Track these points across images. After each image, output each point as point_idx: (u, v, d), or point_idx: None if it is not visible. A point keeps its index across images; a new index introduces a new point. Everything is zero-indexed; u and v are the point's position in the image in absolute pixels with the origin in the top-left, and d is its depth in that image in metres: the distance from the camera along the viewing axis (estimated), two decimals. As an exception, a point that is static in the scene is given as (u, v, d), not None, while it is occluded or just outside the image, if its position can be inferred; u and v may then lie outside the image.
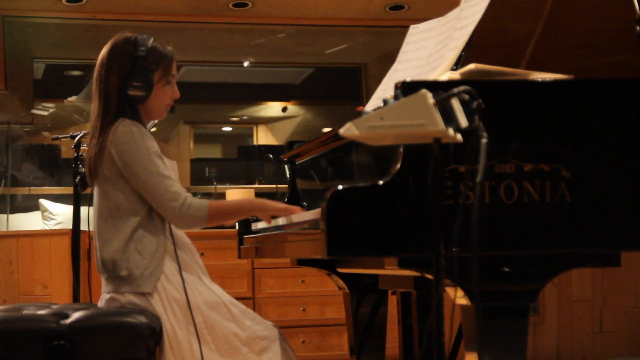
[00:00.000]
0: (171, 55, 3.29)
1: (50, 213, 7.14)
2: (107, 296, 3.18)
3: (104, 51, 3.26)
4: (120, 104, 3.17)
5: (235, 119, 10.16)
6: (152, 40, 3.25)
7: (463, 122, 2.16)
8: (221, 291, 3.24)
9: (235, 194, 7.68)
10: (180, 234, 3.27)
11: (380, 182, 2.45)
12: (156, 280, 3.11)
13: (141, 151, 3.10)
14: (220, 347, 3.12)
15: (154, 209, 3.16)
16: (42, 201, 7.27)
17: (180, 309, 3.11)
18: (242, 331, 3.17)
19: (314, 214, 2.86)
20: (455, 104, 2.16)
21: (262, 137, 9.93)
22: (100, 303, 3.24)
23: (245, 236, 3.75)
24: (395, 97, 2.31)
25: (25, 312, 3.16)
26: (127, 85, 3.17)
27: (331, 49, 8.34)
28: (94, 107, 3.23)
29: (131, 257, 3.11)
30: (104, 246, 3.15)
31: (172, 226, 3.22)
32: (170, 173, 3.16)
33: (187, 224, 3.14)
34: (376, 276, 3.56)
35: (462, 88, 2.17)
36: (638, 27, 2.74)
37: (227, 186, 8.41)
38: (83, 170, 4.29)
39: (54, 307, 3.26)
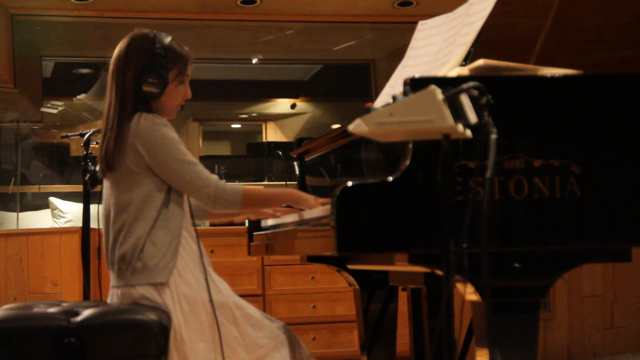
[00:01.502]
0: (187, 55, 3.30)
1: (60, 211, 7.16)
2: (118, 291, 3.19)
3: (120, 46, 3.26)
4: (135, 100, 3.19)
5: (244, 116, 10.17)
6: (170, 38, 3.27)
7: (472, 117, 2.16)
8: (229, 291, 3.24)
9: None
10: (191, 229, 3.27)
11: (390, 179, 2.45)
12: (170, 272, 3.12)
13: (167, 141, 3.12)
14: (220, 348, 3.13)
15: (169, 203, 3.17)
16: (52, 199, 7.28)
17: (188, 305, 3.12)
18: (241, 337, 3.18)
19: (323, 210, 2.86)
20: (465, 99, 2.16)
21: (271, 134, 9.94)
22: (111, 299, 3.24)
23: (255, 233, 3.76)
24: (404, 93, 2.31)
25: (35, 310, 3.16)
26: (142, 80, 3.18)
27: (340, 46, 8.34)
28: (108, 101, 3.24)
29: (146, 249, 3.13)
30: (123, 239, 3.16)
31: (187, 222, 3.23)
32: (196, 160, 3.18)
33: (222, 207, 3.16)
34: (386, 272, 3.56)
35: (471, 84, 2.17)
36: (647, 22, 2.74)
37: (237, 183, 8.41)
38: (92, 168, 4.29)
39: (64, 304, 3.27)
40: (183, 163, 3.14)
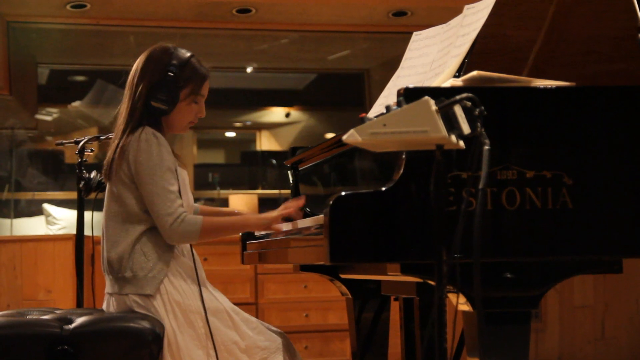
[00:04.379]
0: (204, 75, 3.30)
1: (54, 218, 7.16)
2: (112, 298, 3.20)
3: (140, 58, 3.27)
4: (144, 113, 3.20)
5: (238, 124, 10.17)
6: (189, 55, 3.27)
7: (465, 128, 2.17)
8: (224, 298, 3.25)
9: (238, 199, 7.68)
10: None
11: (383, 189, 2.46)
12: (159, 283, 3.13)
13: (154, 161, 3.12)
14: (219, 354, 3.14)
15: None
16: (46, 206, 7.28)
17: (182, 313, 3.13)
18: (242, 340, 3.18)
19: (316, 220, 2.87)
20: (458, 110, 2.17)
21: (265, 142, 9.93)
22: (106, 305, 3.25)
23: (248, 242, 3.76)
24: (398, 104, 2.32)
25: (28, 317, 3.17)
26: (151, 96, 3.19)
27: (334, 55, 8.35)
28: (121, 111, 3.25)
29: (136, 259, 3.13)
30: (112, 247, 3.17)
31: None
32: (176, 189, 3.15)
33: (178, 239, 3.15)
34: (379, 282, 3.56)
35: (464, 95, 2.19)
36: (639, 35, 2.75)
37: (230, 191, 8.42)
38: (87, 175, 4.30)
39: (58, 312, 3.27)
40: (158, 187, 3.12)
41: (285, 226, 3.31)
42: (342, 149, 3.18)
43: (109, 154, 3.23)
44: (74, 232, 4.67)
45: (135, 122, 3.19)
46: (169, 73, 3.20)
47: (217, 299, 3.22)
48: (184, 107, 3.27)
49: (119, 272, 3.15)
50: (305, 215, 3.39)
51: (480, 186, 2.18)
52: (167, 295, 3.13)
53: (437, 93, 2.33)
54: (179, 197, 3.16)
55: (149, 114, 3.21)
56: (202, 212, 3.49)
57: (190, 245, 3.25)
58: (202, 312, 3.14)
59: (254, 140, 10.06)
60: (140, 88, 3.21)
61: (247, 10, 6.98)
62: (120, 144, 3.18)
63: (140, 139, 3.14)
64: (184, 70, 3.24)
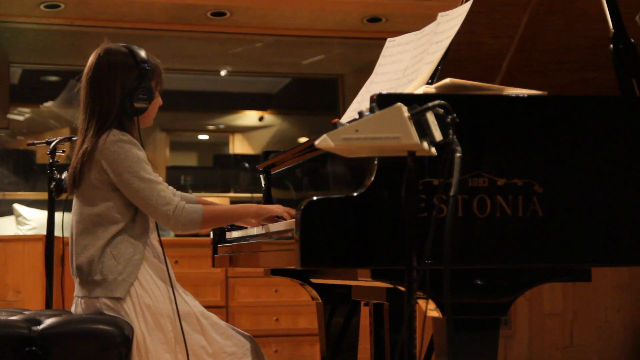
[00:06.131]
0: (160, 65, 3.32)
1: (24, 218, 7.11)
2: (82, 301, 3.18)
3: (97, 62, 3.22)
4: (120, 115, 3.18)
5: (211, 127, 10.16)
6: (144, 50, 3.27)
7: (437, 135, 2.18)
8: (194, 302, 3.24)
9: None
10: (155, 244, 3.26)
11: (355, 194, 2.47)
12: (129, 286, 3.11)
13: (131, 159, 3.11)
14: (186, 358, 3.13)
15: (135, 217, 3.16)
16: (16, 206, 7.23)
17: (152, 316, 3.11)
18: (209, 345, 3.18)
19: (288, 224, 2.87)
20: (430, 117, 2.18)
21: (238, 146, 9.93)
22: (74, 308, 3.23)
23: (219, 245, 3.75)
24: (371, 110, 2.32)
25: (-3, 317, 3.15)
26: (132, 96, 3.17)
27: (308, 60, 8.36)
28: (85, 116, 3.21)
29: (106, 262, 3.11)
30: (82, 251, 3.15)
31: (151, 237, 3.22)
32: (161, 178, 3.16)
33: (182, 227, 3.13)
34: (349, 287, 3.57)
35: (437, 102, 2.19)
36: (611, 45, 2.77)
37: (203, 194, 8.39)
38: (58, 176, 4.28)
39: (26, 313, 3.26)
40: (144, 181, 3.11)
41: (257, 230, 3.31)
42: (315, 154, 3.18)
43: (74, 162, 3.19)
44: (44, 232, 4.65)
45: (108, 125, 3.17)
46: (143, 71, 3.20)
47: (187, 303, 3.21)
48: (155, 101, 3.28)
49: (88, 276, 3.14)
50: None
51: (452, 193, 2.18)
52: (137, 298, 3.12)
53: (409, 100, 2.33)
54: (167, 185, 3.16)
55: (124, 115, 3.19)
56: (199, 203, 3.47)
57: (162, 247, 3.24)
58: (172, 315, 3.13)
59: (227, 144, 10.06)
60: (113, 92, 3.18)
61: (222, 14, 6.98)
62: (89, 150, 3.15)
63: (108, 142, 3.11)
64: (150, 65, 3.24)
